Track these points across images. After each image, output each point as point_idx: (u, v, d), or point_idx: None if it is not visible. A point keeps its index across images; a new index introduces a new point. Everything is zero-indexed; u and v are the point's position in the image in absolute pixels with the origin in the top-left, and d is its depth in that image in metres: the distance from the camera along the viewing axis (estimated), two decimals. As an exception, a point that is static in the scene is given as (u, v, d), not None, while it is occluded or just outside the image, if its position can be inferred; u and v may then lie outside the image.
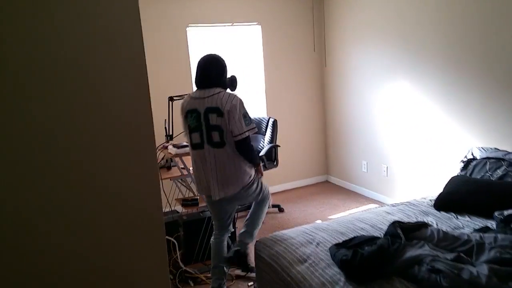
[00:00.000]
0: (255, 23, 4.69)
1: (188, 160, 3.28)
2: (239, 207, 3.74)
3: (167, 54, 4.28)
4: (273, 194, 4.94)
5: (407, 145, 4.05)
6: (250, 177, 2.57)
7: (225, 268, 2.73)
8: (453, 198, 2.88)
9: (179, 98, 3.38)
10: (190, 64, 4.40)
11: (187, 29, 4.36)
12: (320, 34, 5.08)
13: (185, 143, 3.03)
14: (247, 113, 2.49)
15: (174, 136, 3.34)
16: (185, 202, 3.16)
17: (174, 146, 2.98)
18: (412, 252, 1.97)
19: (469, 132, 3.41)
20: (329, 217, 4.19)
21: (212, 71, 2.54)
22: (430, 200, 3.07)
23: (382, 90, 4.25)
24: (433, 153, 3.76)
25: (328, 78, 5.11)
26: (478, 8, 3.17)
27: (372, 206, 4.40)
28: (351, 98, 4.74)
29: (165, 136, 3.29)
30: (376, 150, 4.47)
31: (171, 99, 3.29)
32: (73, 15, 1.02)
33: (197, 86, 2.57)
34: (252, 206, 2.82)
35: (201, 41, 4.48)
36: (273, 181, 4.98)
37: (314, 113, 5.22)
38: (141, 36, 1.13)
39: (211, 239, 2.80)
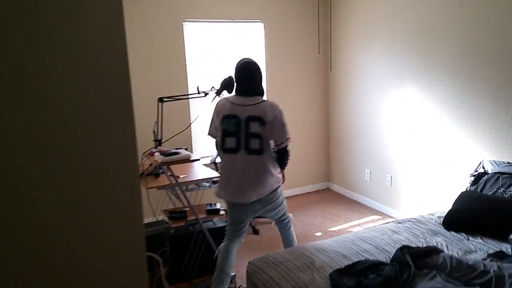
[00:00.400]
0: (258, 20, 4.46)
1: (177, 168, 3.05)
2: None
3: (162, 51, 4.05)
4: (271, 201, 4.72)
5: (413, 154, 3.82)
6: (278, 180, 2.69)
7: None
8: (464, 217, 2.66)
9: (170, 99, 3.16)
10: (186, 62, 4.17)
11: (184, 24, 4.13)
12: (325, 36, 4.85)
13: (174, 150, 2.81)
14: (285, 123, 2.60)
15: (163, 141, 3.11)
16: (172, 215, 2.94)
17: (162, 153, 2.75)
18: (423, 285, 1.75)
19: (480, 143, 3.18)
20: (330, 229, 3.97)
21: (256, 79, 2.62)
22: (439, 217, 2.85)
23: (389, 96, 4.02)
24: (440, 165, 3.53)
25: (332, 81, 4.88)
26: (492, 12, 2.94)
27: (374, 217, 4.18)
28: (355, 104, 4.52)
29: (153, 140, 3.07)
30: (380, 159, 4.25)
31: (161, 100, 3.06)
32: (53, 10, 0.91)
33: (239, 92, 2.62)
34: (282, 234, 2.89)
35: (199, 38, 4.25)
36: (271, 188, 4.75)
37: (317, 117, 4.99)
38: (124, 32, 0.99)
39: (221, 245, 2.77)
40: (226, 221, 2.90)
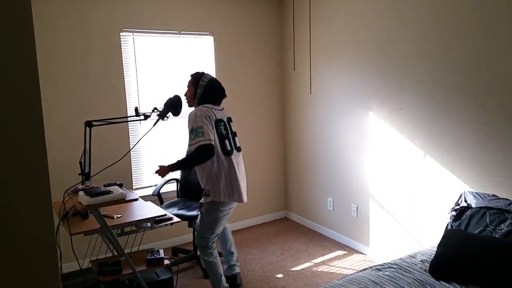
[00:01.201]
0: (207, 33, 3.96)
1: (111, 207, 2.44)
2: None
3: (95, 65, 3.42)
4: (223, 236, 4.16)
5: (383, 183, 3.47)
6: None
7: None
8: (454, 264, 2.27)
9: (101, 123, 2.55)
10: (123, 78, 3.57)
11: (122, 35, 3.53)
12: (285, 51, 4.45)
13: (103, 188, 2.20)
14: None
15: (92, 174, 2.48)
16: (103, 268, 2.31)
17: (88, 192, 2.13)
18: None
19: (459, 173, 2.86)
20: (292, 268, 3.48)
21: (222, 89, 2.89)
22: (422, 262, 2.46)
23: (354, 119, 3.66)
24: (415, 195, 3.18)
25: (290, 102, 4.47)
26: (471, 28, 2.66)
27: (340, 252, 3.76)
28: (317, 126, 4.12)
29: (79, 174, 2.43)
30: (344, 187, 3.86)
31: (88, 124, 2.45)
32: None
33: (213, 101, 2.80)
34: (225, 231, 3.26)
35: (142, 51, 3.67)
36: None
37: (273, 140, 4.54)
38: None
39: (211, 258, 2.85)
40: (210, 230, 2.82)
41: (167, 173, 2.66)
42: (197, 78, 2.77)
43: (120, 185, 2.60)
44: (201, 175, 2.75)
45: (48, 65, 3.21)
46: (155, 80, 3.74)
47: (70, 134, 3.26)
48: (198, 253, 3.16)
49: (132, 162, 3.69)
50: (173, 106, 2.67)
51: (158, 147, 3.84)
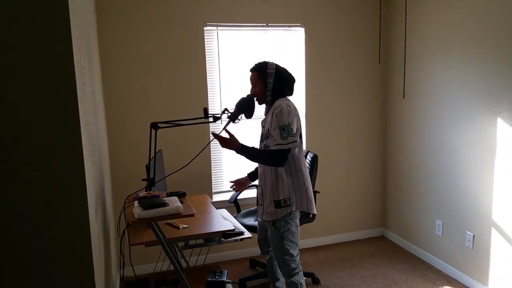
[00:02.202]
0: (298, 24, 3.55)
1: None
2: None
3: (176, 64, 3.25)
4: (307, 252, 3.73)
5: (510, 208, 2.69)
6: None
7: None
8: None
9: (168, 125, 2.32)
10: (206, 76, 3.35)
11: (206, 30, 3.32)
12: (387, 45, 3.83)
13: (160, 200, 1.95)
14: None
15: (157, 180, 2.26)
16: (159, 287, 2.07)
17: (142, 203, 1.88)
18: None
19: None
20: (384, 303, 2.91)
21: None
22: None
23: (476, 125, 2.92)
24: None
25: (393, 104, 3.83)
26: None
27: (448, 290, 3.06)
28: (426, 134, 3.43)
29: (143, 180, 2.23)
30: (458, 209, 3.13)
31: (154, 126, 2.23)
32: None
33: (291, 91, 2.43)
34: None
35: (225, 46, 3.42)
36: (308, 233, 3.77)
37: (370, 148, 3.94)
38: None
39: (303, 279, 2.48)
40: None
41: (233, 149, 2.30)
42: (263, 68, 2.35)
43: (183, 195, 2.35)
44: (278, 181, 2.32)
45: (125, 64, 3.13)
46: (239, 78, 3.46)
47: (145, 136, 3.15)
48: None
49: (212, 164, 3.47)
50: (245, 106, 2.33)
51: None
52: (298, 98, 3.61)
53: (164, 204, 1.90)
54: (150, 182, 2.22)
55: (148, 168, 2.26)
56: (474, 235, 2.99)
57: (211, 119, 2.33)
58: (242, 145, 2.29)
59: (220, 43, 3.38)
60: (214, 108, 3.44)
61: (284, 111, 2.23)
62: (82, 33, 1.80)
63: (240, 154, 2.29)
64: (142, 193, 2.12)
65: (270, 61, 2.39)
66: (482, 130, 2.86)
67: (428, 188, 3.43)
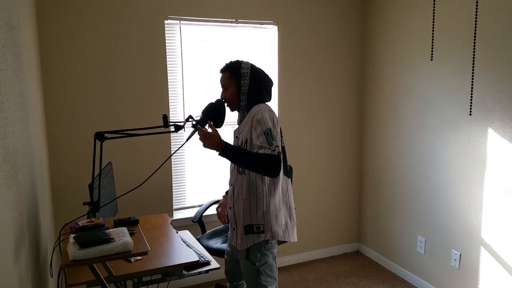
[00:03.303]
0: (270, 22, 3.22)
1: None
2: None
3: (131, 62, 2.83)
4: (280, 272, 3.39)
5: (501, 227, 2.47)
6: None
7: None
8: None
9: (118, 135, 1.90)
10: (167, 76, 2.94)
11: (167, 24, 2.91)
12: (369, 45, 3.57)
13: (101, 234, 1.52)
14: None
15: (102, 205, 1.84)
16: None
17: (78, 239, 1.45)
18: None
19: None
20: (367, 334, 2.61)
21: None
22: None
23: (464, 136, 2.69)
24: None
25: (372, 110, 3.57)
26: None
27: (434, 315, 2.81)
28: (408, 144, 3.19)
29: (84, 204, 1.80)
30: (443, 226, 2.89)
31: (99, 137, 1.81)
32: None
33: (269, 96, 2.06)
34: None
35: (190, 43, 3.02)
36: (283, 251, 3.43)
37: (346, 157, 3.67)
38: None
39: None
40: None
41: (214, 148, 1.87)
42: (236, 67, 1.97)
43: (135, 222, 1.94)
44: (251, 201, 1.94)
45: (70, 62, 2.67)
46: (205, 81, 3.08)
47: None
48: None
49: (173, 177, 3.06)
50: (214, 113, 1.96)
51: (208, 158, 3.17)
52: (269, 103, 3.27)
53: (108, 240, 1.48)
54: (94, 207, 1.80)
55: (91, 188, 1.83)
56: (460, 254, 2.76)
57: (172, 128, 1.93)
58: (226, 143, 1.87)
59: (183, 40, 2.98)
60: (177, 115, 3.03)
61: (266, 116, 1.87)
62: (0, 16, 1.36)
63: (223, 155, 1.87)
64: (82, 222, 1.69)
65: (245, 60, 2.03)
66: (471, 141, 2.64)
67: (409, 201, 3.19)
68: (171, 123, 1.94)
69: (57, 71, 2.63)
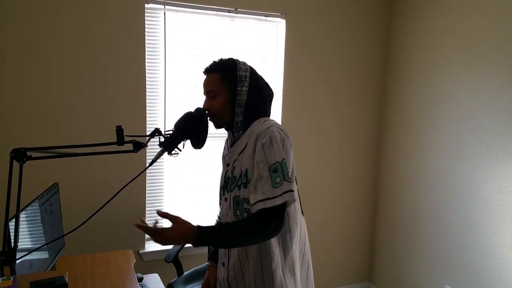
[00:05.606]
0: (278, 14, 2.65)
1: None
2: None
3: (102, 54, 2.24)
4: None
5: None
6: None
7: None
8: None
9: (46, 154, 1.31)
10: (145, 75, 2.35)
11: (147, 8, 2.33)
12: (388, 44, 3.00)
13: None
14: None
15: (20, 255, 1.25)
16: None
17: None
18: None
19: None
20: None
21: None
22: None
23: (506, 165, 2.11)
24: None
25: (392, 121, 2.99)
26: None
27: None
28: (436, 163, 2.61)
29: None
30: (475, 274, 2.30)
31: (18, 156, 1.21)
32: None
33: (269, 109, 1.44)
34: None
35: (177, 33, 2.45)
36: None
37: (358, 177, 3.08)
38: None
39: None
40: None
41: (186, 241, 1.21)
42: (230, 67, 1.35)
43: (61, 279, 1.33)
44: (264, 260, 1.31)
45: (19, 55, 2.09)
46: (192, 80, 2.50)
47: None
48: None
49: (147, 204, 2.47)
50: (193, 127, 1.35)
51: (190, 181, 2.58)
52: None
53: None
54: (5, 259, 1.21)
55: (5, 230, 1.24)
56: (504, 317, 2.17)
57: (129, 147, 1.34)
58: (200, 228, 1.19)
59: (168, 30, 2.40)
60: (156, 122, 2.45)
61: (276, 139, 1.25)
62: None
63: (200, 244, 1.21)
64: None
65: (241, 59, 1.43)
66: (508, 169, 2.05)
67: (435, 240, 2.59)
68: (130, 138, 1.35)
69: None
